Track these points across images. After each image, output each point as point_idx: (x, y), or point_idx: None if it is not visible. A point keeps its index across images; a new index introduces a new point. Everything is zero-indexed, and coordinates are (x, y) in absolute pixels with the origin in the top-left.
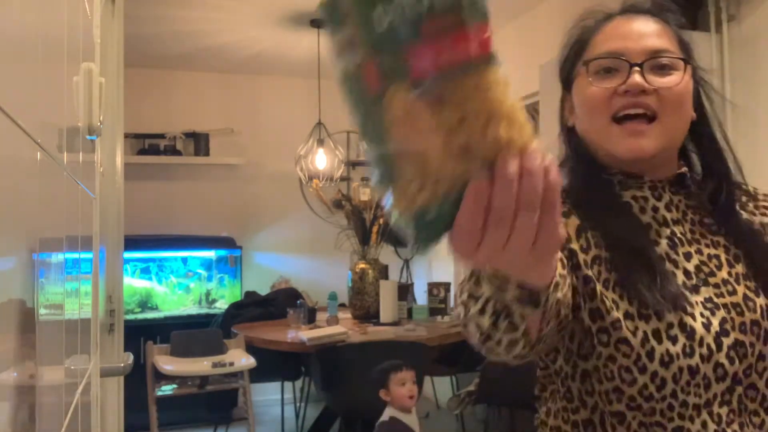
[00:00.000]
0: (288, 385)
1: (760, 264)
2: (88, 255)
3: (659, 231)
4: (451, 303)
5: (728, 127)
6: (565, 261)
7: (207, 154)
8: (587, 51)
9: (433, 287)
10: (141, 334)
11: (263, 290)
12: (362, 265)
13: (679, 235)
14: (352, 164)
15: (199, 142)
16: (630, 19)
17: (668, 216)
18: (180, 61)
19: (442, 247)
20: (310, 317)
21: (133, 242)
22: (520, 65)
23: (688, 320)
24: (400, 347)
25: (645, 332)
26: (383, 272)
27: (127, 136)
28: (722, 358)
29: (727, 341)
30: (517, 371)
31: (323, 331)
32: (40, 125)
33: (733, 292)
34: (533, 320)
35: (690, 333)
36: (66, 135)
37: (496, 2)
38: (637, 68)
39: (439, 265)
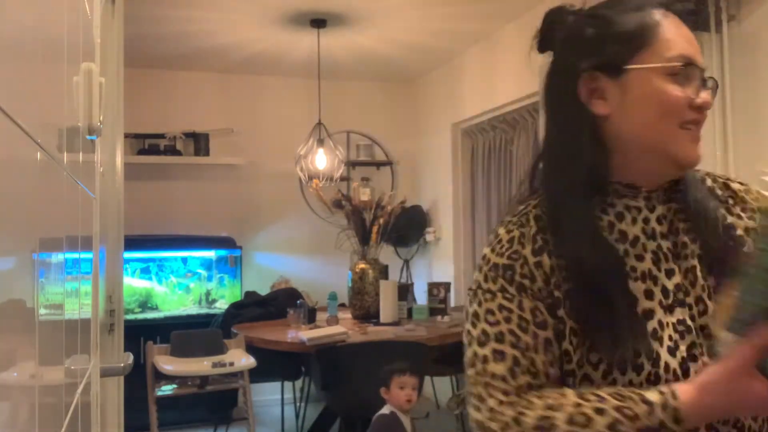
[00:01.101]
0: (288, 385)
1: (723, 275)
2: (88, 255)
3: (645, 245)
4: (452, 303)
5: (729, 127)
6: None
7: (207, 154)
8: (657, 45)
9: (433, 287)
10: (141, 334)
11: (263, 290)
12: (362, 265)
13: (665, 249)
14: (352, 164)
15: (199, 142)
16: (681, 23)
17: (658, 229)
18: (180, 61)
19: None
20: (310, 317)
21: (133, 242)
22: (520, 65)
23: (656, 346)
24: (400, 347)
25: (609, 364)
26: (383, 272)
27: (127, 136)
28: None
29: (694, 367)
30: None
31: (323, 331)
32: (40, 125)
33: (704, 312)
34: None
35: (656, 360)
36: (66, 135)
37: (496, 2)
38: (704, 84)
39: (439, 265)
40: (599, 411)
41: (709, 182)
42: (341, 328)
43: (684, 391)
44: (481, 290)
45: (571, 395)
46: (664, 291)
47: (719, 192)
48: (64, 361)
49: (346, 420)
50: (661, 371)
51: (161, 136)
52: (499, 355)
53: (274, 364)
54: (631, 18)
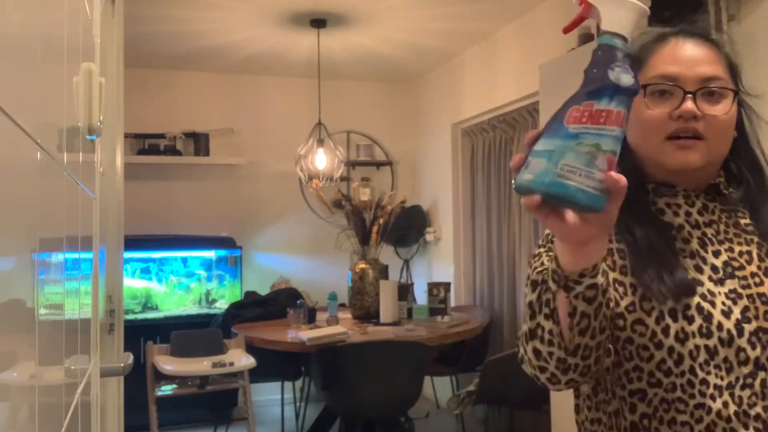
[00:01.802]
0: (288, 385)
1: None
2: (88, 255)
3: (691, 232)
4: (452, 303)
5: None
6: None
7: (207, 154)
8: (643, 71)
9: (433, 287)
10: (141, 334)
11: (263, 290)
12: (362, 265)
13: (710, 235)
14: (352, 164)
15: (199, 142)
16: (684, 42)
17: (700, 219)
18: (180, 61)
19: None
20: (310, 317)
21: (133, 242)
22: (520, 65)
23: (706, 305)
24: (400, 347)
25: (661, 311)
26: (383, 272)
27: (127, 136)
28: (744, 343)
29: (748, 327)
30: (517, 371)
31: (323, 331)
32: (40, 125)
33: (760, 284)
34: (561, 302)
35: (707, 316)
36: (66, 135)
37: (496, 2)
38: (690, 95)
39: (439, 265)
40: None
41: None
42: (341, 328)
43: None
44: (533, 257)
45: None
46: (713, 268)
47: None
48: (64, 361)
49: (346, 420)
50: (714, 328)
51: (161, 136)
52: None
53: (274, 364)
54: (635, 49)
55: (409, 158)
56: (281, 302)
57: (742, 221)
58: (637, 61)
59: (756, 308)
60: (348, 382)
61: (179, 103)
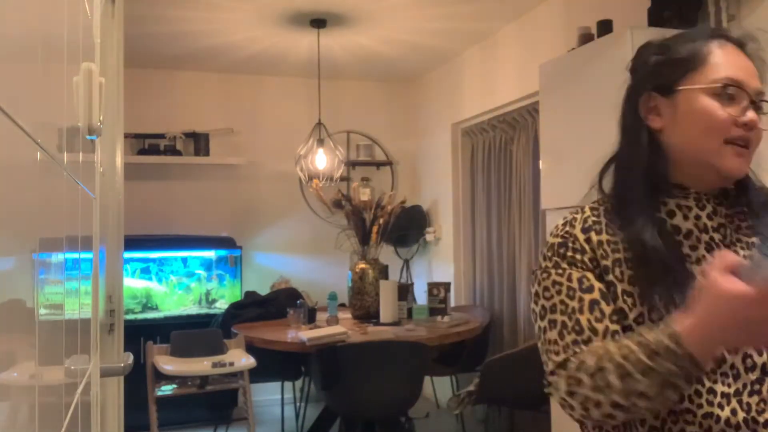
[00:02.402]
0: (288, 385)
1: None
2: (88, 255)
3: (699, 237)
4: (451, 303)
5: None
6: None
7: (207, 154)
8: (704, 69)
9: (433, 287)
10: (141, 334)
11: (263, 290)
12: (362, 265)
13: (717, 240)
14: (352, 164)
15: (199, 142)
16: (738, 51)
17: (709, 223)
18: (180, 61)
19: (442, 247)
20: (310, 317)
21: (133, 242)
22: (520, 65)
23: None
24: (400, 347)
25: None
26: (383, 272)
27: (127, 136)
28: (750, 349)
29: None
30: (517, 371)
31: (323, 331)
32: (40, 125)
33: None
34: None
35: None
36: (66, 135)
37: (496, 2)
38: (753, 106)
39: (439, 265)
40: (621, 346)
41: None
42: (341, 328)
43: (685, 318)
44: (540, 271)
45: (610, 343)
46: None
47: None
48: (64, 361)
49: (346, 420)
50: None
51: (161, 136)
52: (552, 324)
53: (274, 364)
54: (687, 46)
55: (409, 158)
56: (281, 302)
57: (743, 224)
58: (694, 59)
59: None
60: (348, 382)
61: (179, 103)
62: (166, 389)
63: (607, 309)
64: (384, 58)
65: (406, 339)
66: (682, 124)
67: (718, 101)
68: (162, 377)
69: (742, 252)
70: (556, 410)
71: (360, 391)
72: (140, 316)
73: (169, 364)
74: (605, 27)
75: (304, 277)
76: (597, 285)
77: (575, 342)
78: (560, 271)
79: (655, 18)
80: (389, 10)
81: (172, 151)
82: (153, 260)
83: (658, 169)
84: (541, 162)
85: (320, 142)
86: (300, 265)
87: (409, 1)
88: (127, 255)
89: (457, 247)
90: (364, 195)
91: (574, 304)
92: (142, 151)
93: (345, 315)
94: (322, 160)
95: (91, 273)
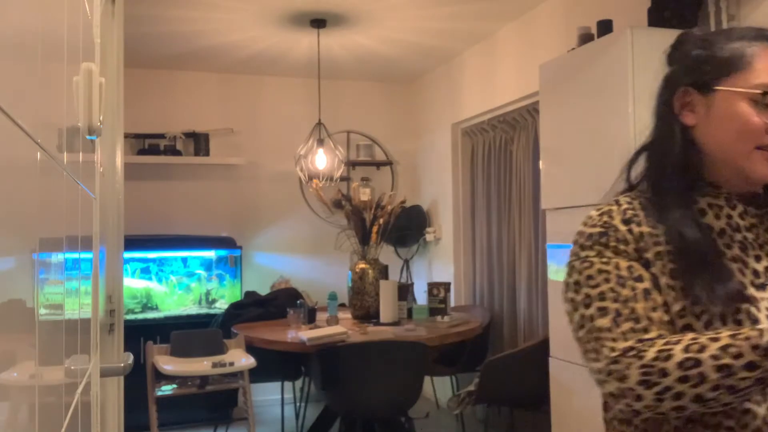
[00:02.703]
0: (288, 385)
1: None
2: (88, 255)
3: (732, 236)
4: (452, 303)
5: None
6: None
7: (207, 154)
8: (747, 72)
9: (433, 287)
10: (141, 334)
11: (263, 290)
12: (362, 265)
13: (750, 240)
14: (352, 164)
15: (199, 142)
16: None
17: (741, 223)
18: (180, 61)
19: (442, 247)
20: (310, 317)
21: (133, 242)
22: (520, 65)
23: (753, 311)
24: (400, 347)
25: (711, 316)
26: (383, 272)
27: (127, 136)
28: None
29: None
30: (517, 371)
31: (323, 331)
32: (40, 125)
33: None
34: None
35: (753, 321)
36: (66, 135)
37: (496, 2)
38: None
39: (439, 265)
40: (713, 339)
41: None
42: (341, 328)
43: None
44: (579, 260)
45: (688, 335)
46: (755, 272)
47: None
48: (64, 361)
49: (346, 420)
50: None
51: (161, 136)
52: (602, 312)
53: (274, 364)
54: (731, 45)
55: (409, 158)
56: (281, 302)
57: None
58: (738, 60)
59: None
60: (348, 382)
61: (179, 103)
62: (166, 389)
63: (659, 299)
64: (384, 58)
65: (406, 339)
66: (715, 124)
67: (755, 107)
68: (162, 377)
69: None
70: (555, 410)
71: (360, 391)
72: (140, 316)
73: (169, 364)
74: (605, 27)
75: (304, 277)
76: (646, 274)
77: (633, 330)
78: (605, 259)
79: (655, 18)
80: (389, 10)
81: (172, 151)
82: (153, 260)
83: (691, 165)
84: (541, 162)
85: (320, 142)
86: (300, 265)
87: (409, 1)
88: (127, 255)
89: (457, 247)
90: (364, 195)
91: (627, 292)
92: (142, 151)
93: (345, 315)
94: (322, 160)
95: (91, 273)
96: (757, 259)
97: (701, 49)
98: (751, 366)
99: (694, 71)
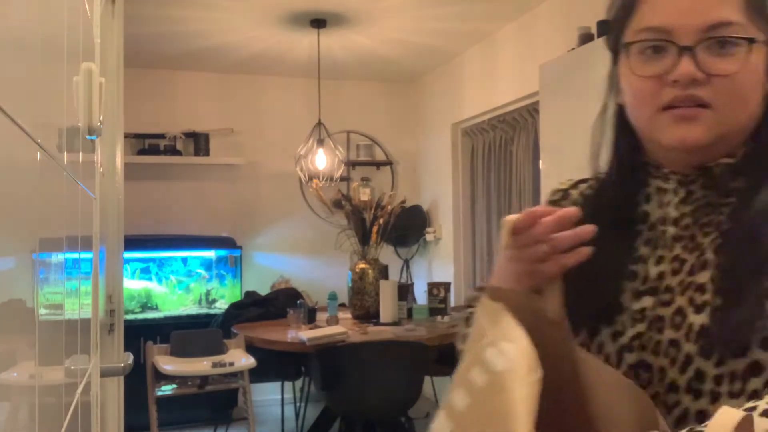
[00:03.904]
0: (288, 385)
1: (726, 276)
2: (88, 255)
3: (654, 230)
4: (452, 303)
5: None
6: None
7: (207, 154)
8: (633, 21)
9: (433, 287)
10: (141, 334)
11: (263, 290)
12: (362, 265)
13: (666, 235)
14: (352, 164)
15: (199, 142)
16: None
17: (672, 214)
18: (180, 61)
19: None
20: (310, 317)
21: (133, 242)
22: (520, 65)
23: (609, 330)
24: (400, 347)
25: (579, 326)
26: (383, 272)
27: (127, 136)
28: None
29: (629, 358)
30: None
31: (323, 331)
32: (40, 125)
33: (668, 303)
34: None
35: (599, 346)
36: (66, 135)
37: (496, 2)
38: (687, 52)
39: (439, 265)
40: None
41: None
42: (341, 328)
43: None
44: None
45: None
46: (645, 277)
47: None
48: (64, 361)
49: (346, 420)
50: (594, 350)
51: (161, 136)
52: None
53: (274, 364)
54: None
55: (409, 158)
56: (281, 302)
57: (706, 220)
58: (626, 8)
59: (650, 337)
60: (348, 382)
61: (179, 103)
62: (166, 389)
63: None
64: (384, 58)
65: (406, 339)
66: (624, 94)
67: (639, 61)
68: (162, 377)
69: (681, 254)
70: None
71: (360, 391)
72: (140, 316)
73: (169, 364)
74: (605, 27)
75: (304, 277)
76: None
77: None
78: None
79: None
80: (389, 10)
81: (172, 151)
82: (153, 260)
83: (628, 148)
84: (541, 162)
85: (320, 142)
86: (300, 265)
87: (409, 1)
88: (127, 255)
89: (457, 247)
90: (364, 195)
91: None
92: (142, 151)
93: (345, 315)
94: (322, 160)
95: (91, 273)
96: (659, 260)
97: (609, 12)
98: None
99: (608, 43)
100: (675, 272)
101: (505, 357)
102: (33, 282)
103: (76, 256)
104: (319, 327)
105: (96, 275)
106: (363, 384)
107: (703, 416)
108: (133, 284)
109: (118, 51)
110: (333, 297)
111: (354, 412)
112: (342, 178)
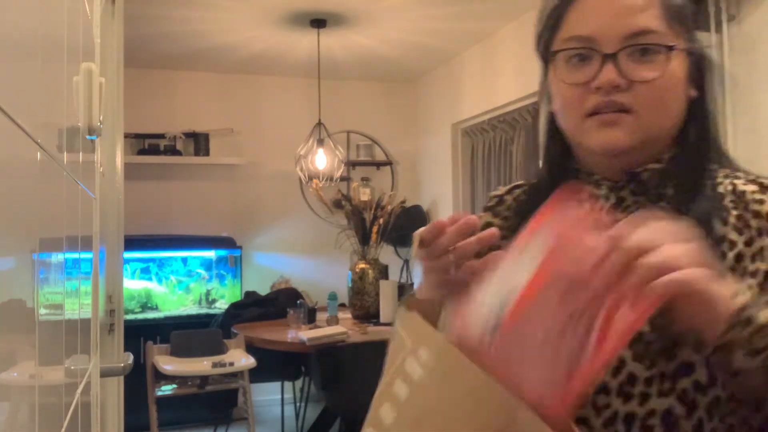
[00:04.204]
0: (288, 385)
1: None
2: (88, 255)
3: None
4: None
5: (729, 127)
6: None
7: (207, 154)
8: (561, 31)
9: None
10: (141, 334)
11: (263, 290)
12: (362, 265)
13: None
14: (352, 164)
15: (199, 142)
16: None
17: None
18: (180, 61)
19: None
20: (310, 317)
21: (133, 242)
22: (520, 65)
23: None
24: None
25: None
26: (383, 272)
27: (127, 136)
28: None
29: None
30: None
31: (323, 331)
32: (40, 125)
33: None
34: None
35: None
36: (66, 135)
37: (496, 2)
38: (610, 60)
39: None
40: None
41: (723, 189)
42: (341, 328)
43: None
44: None
45: None
46: None
47: (730, 205)
48: (64, 361)
49: (346, 420)
50: None
51: (161, 136)
52: None
53: (274, 364)
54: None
55: (409, 158)
56: (281, 302)
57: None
58: (554, 17)
59: None
60: (348, 382)
61: (179, 103)
62: (166, 389)
63: None
64: (384, 58)
65: None
66: (554, 102)
67: (566, 69)
68: (162, 377)
69: None
70: None
71: (360, 391)
72: (140, 316)
73: (169, 364)
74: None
75: (304, 277)
76: None
77: None
78: None
79: None
80: (389, 10)
81: (172, 151)
82: (153, 260)
83: (559, 156)
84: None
85: (320, 142)
86: (300, 265)
87: (409, 1)
88: (127, 255)
89: None
90: (364, 195)
91: None
92: (142, 151)
93: (345, 315)
94: (322, 160)
95: (91, 273)
96: None
97: (538, 20)
98: None
99: (537, 49)
100: None
101: (423, 364)
102: (33, 282)
103: (76, 256)
104: (319, 327)
105: (96, 275)
106: (363, 384)
107: (632, 418)
108: (133, 284)
109: (118, 51)
110: (333, 297)
111: (354, 412)
112: (342, 178)
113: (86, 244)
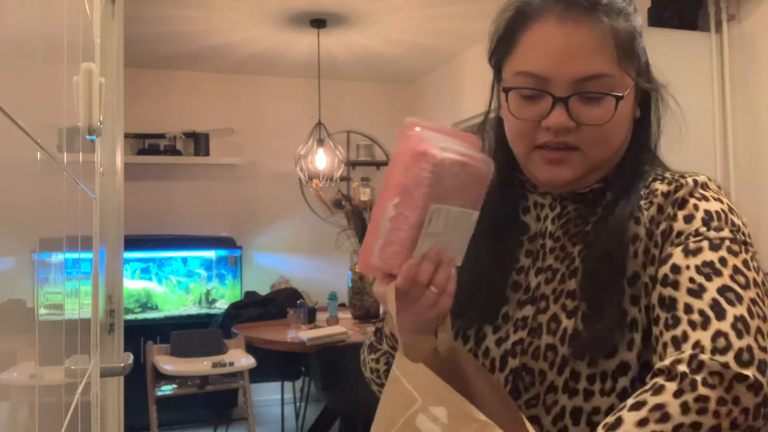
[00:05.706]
0: (288, 385)
1: (590, 282)
2: (88, 255)
3: (535, 242)
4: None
5: (729, 126)
6: None
7: (207, 154)
8: (512, 59)
9: None
10: (141, 334)
11: (263, 290)
12: None
13: (546, 248)
14: (352, 164)
15: (199, 142)
16: (560, 21)
17: (549, 228)
18: (180, 61)
19: None
20: (310, 317)
21: (133, 242)
22: None
23: (488, 330)
24: None
25: (456, 330)
26: None
27: (127, 136)
28: (501, 381)
29: (512, 363)
30: None
31: (323, 331)
32: (40, 125)
33: (544, 310)
34: None
35: (485, 351)
36: (66, 135)
37: (496, 2)
38: (561, 103)
39: None
40: None
41: (655, 199)
42: (341, 328)
43: None
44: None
45: None
46: (526, 288)
47: (652, 215)
48: (64, 361)
49: (346, 420)
50: (488, 363)
51: (161, 136)
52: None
53: (274, 364)
54: (505, 17)
55: None
56: (281, 302)
57: (576, 229)
58: (507, 41)
59: (530, 342)
60: (348, 382)
61: (179, 103)
62: (166, 389)
63: None
64: (384, 58)
65: None
66: (505, 124)
67: (517, 102)
68: (162, 377)
69: (555, 264)
70: None
71: (360, 391)
72: (140, 316)
73: (169, 364)
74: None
75: (304, 277)
76: None
77: None
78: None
79: (655, 18)
80: (389, 10)
81: (172, 151)
82: (153, 260)
83: (507, 164)
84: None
85: (320, 142)
86: (300, 265)
87: (409, 1)
88: (127, 255)
89: None
90: (364, 195)
91: None
92: (142, 151)
93: (345, 315)
94: (322, 160)
95: (91, 273)
96: (539, 272)
97: (491, 37)
98: None
99: (490, 61)
100: (548, 281)
101: (438, 423)
102: (33, 282)
103: (76, 256)
104: (319, 327)
105: (96, 275)
106: (363, 384)
107: (578, 413)
108: (133, 284)
109: (118, 51)
110: (333, 297)
111: (354, 412)
112: (342, 178)
113: (86, 244)
